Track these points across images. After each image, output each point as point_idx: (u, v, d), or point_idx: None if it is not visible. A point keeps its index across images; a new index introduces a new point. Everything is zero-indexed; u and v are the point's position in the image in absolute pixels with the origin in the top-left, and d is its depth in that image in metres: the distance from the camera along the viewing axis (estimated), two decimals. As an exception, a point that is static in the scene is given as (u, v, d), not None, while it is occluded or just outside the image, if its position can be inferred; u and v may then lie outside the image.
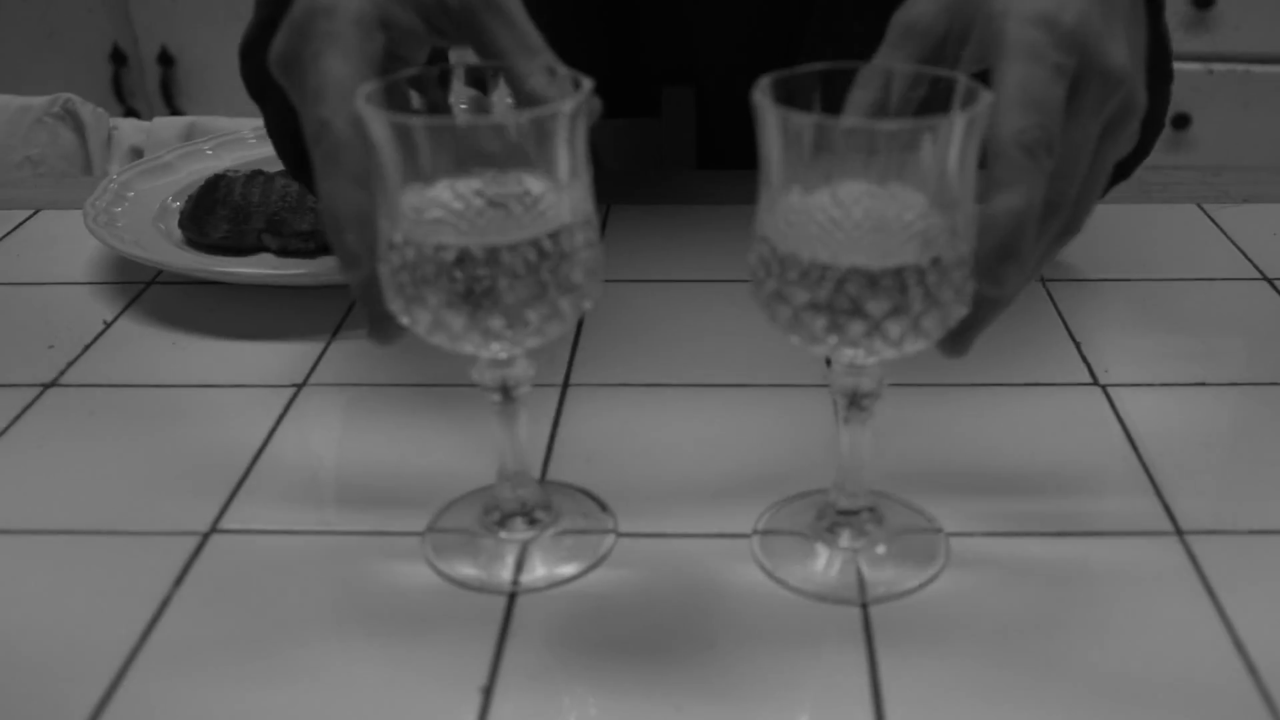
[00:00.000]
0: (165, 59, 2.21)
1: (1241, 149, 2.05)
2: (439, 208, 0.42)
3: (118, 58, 2.22)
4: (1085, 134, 0.46)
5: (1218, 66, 2.01)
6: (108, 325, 0.70)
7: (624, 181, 0.89)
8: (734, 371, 0.64)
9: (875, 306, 0.42)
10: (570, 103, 0.42)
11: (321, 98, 0.46)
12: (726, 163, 0.98)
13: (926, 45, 0.48)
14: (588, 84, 0.44)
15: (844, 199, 0.42)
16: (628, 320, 0.69)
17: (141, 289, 0.74)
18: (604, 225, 0.81)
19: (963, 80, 0.43)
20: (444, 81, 0.48)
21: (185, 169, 0.85)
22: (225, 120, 0.96)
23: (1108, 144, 0.48)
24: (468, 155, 0.43)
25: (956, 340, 0.47)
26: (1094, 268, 0.75)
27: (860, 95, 0.46)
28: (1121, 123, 0.48)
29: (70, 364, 0.66)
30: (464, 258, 0.42)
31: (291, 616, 0.47)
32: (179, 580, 0.49)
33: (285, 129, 0.67)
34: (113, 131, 0.95)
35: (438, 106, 0.48)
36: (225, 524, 0.52)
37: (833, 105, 0.45)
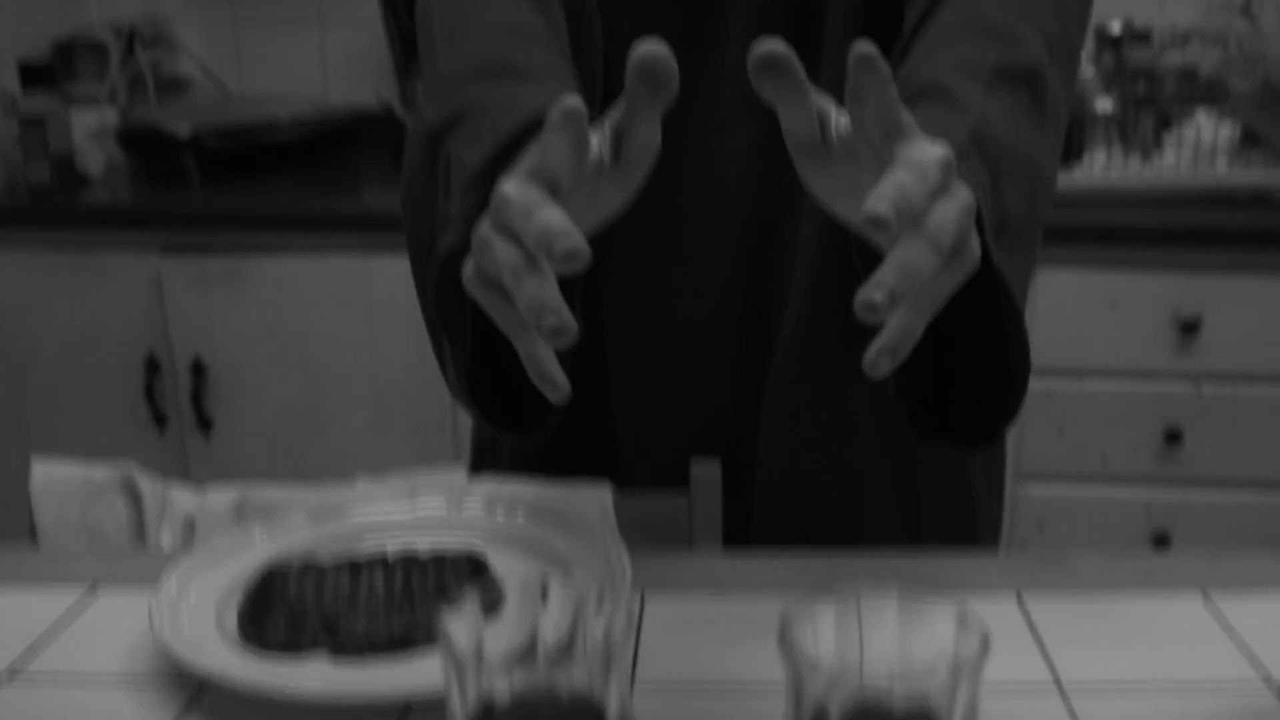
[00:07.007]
0: (198, 369, 2.30)
1: (1232, 465, 2.13)
2: None
3: (152, 367, 2.31)
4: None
5: (1207, 387, 2.10)
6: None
7: (655, 567, 0.94)
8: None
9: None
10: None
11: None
12: (752, 537, 1.03)
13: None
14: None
15: None
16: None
17: (197, 691, 0.77)
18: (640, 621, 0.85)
19: None
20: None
21: (239, 561, 0.90)
22: (273, 493, 1.02)
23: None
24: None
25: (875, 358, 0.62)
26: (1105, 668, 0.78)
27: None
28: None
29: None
30: None
31: None
32: None
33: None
34: (166, 505, 1.01)
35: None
36: None
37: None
